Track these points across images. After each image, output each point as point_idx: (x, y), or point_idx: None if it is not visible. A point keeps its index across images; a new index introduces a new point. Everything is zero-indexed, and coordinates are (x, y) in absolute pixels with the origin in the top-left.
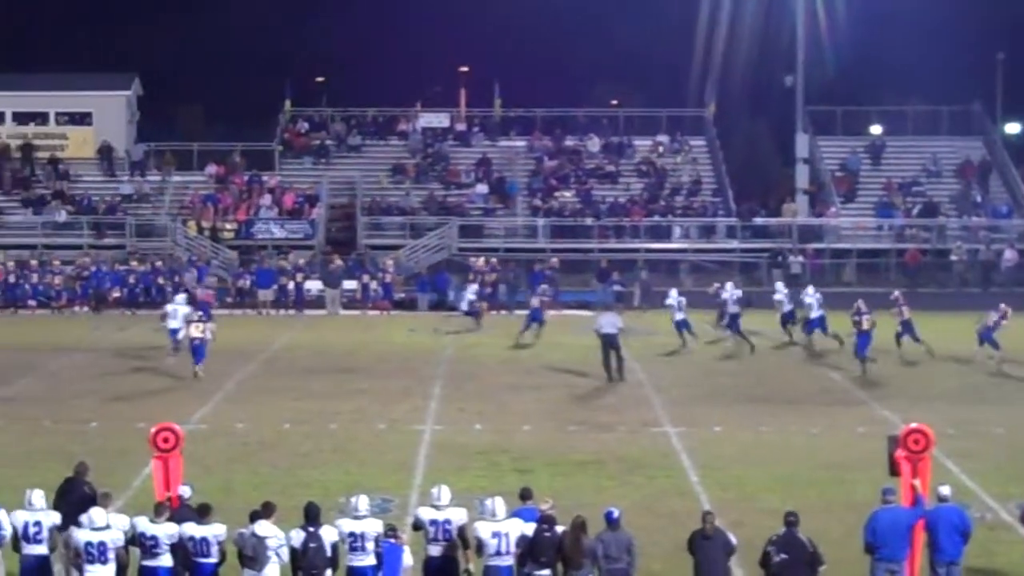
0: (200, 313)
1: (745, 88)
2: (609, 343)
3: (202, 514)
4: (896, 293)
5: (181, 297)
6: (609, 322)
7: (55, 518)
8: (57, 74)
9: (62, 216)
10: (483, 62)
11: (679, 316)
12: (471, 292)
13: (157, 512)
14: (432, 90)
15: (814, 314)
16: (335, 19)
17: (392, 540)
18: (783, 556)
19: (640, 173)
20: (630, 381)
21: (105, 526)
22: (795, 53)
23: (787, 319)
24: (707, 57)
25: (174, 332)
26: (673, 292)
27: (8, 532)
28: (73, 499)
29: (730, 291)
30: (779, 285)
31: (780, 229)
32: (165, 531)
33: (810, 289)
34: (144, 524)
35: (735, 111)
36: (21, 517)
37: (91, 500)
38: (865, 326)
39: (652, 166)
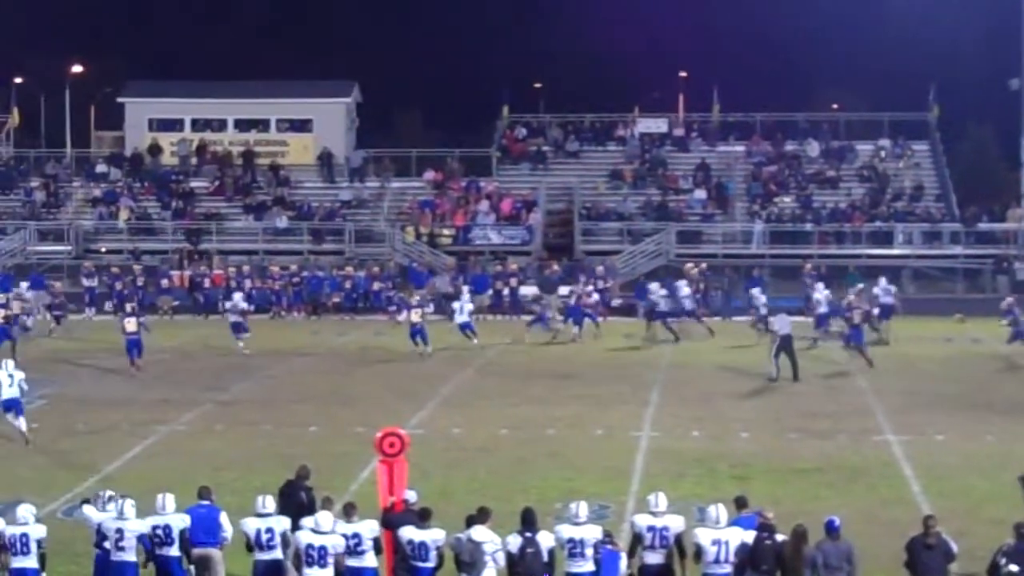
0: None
1: (969, 91)
2: (784, 345)
3: (423, 518)
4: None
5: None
6: (784, 323)
7: (286, 523)
8: (278, 81)
9: (283, 222)
10: (702, 67)
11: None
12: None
13: (347, 513)
14: (650, 95)
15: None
16: (553, 25)
17: (609, 546)
18: (1014, 568)
19: (861, 178)
20: (850, 388)
21: (330, 531)
22: (1021, 55)
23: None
24: (930, 60)
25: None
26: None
27: (230, 533)
28: (292, 502)
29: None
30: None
31: (1005, 235)
32: (367, 528)
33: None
34: (342, 525)
35: (959, 115)
36: (253, 524)
37: (310, 503)
38: None
39: (874, 171)
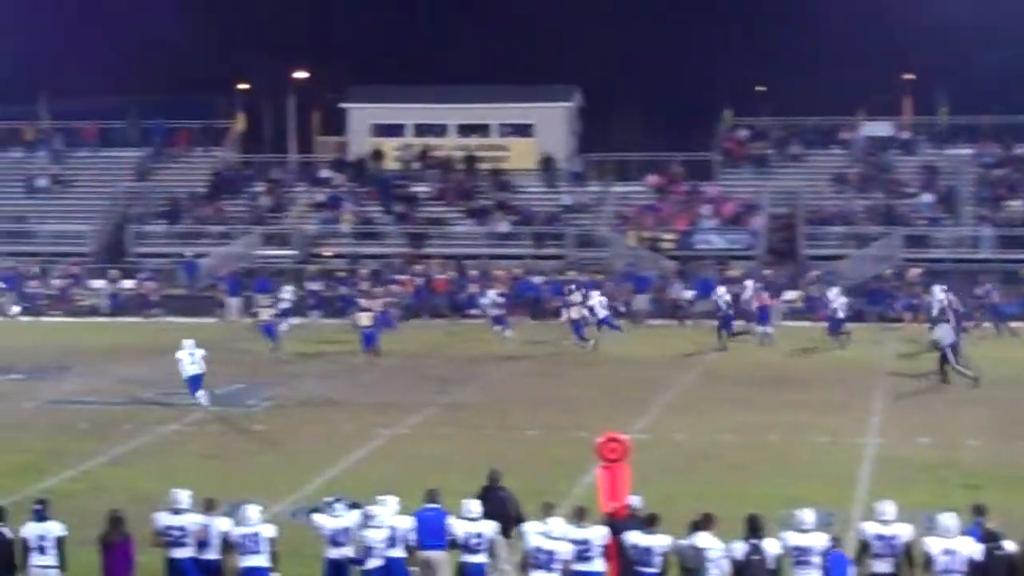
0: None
1: None
2: (948, 353)
3: (649, 524)
4: None
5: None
6: (945, 333)
7: (493, 528)
8: (500, 86)
9: (504, 226)
10: (928, 69)
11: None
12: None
13: (578, 518)
14: (875, 98)
15: None
16: (775, 28)
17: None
18: None
19: None
20: None
21: (561, 536)
22: None
23: None
24: None
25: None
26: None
27: (457, 537)
28: (492, 506)
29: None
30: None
31: None
32: (596, 534)
33: None
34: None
35: None
36: (461, 527)
37: (508, 505)
38: None
39: None
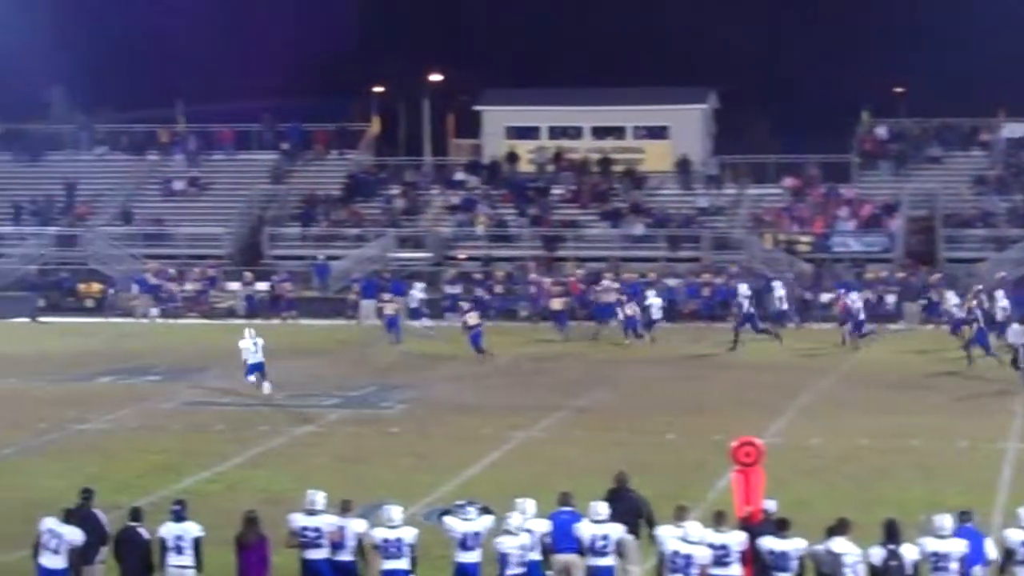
0: None
1: None
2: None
3: (781, 528)
4: None
5: None
6: (1017, 332)
7: (620, 530)
8: (635, 88)
9: (639, 229)
10: None
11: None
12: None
13: (717, 522)
14: (1016, 99)
15: None
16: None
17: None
18: None
19: None
20: None
21: (699, 540)
22: None
23: None
24: None
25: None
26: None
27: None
28: (621, 508)
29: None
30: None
31: None
32: (735, 539)
33: None
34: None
35: None
36: (587, 530)
37: (637, 508)
38: None
39: None
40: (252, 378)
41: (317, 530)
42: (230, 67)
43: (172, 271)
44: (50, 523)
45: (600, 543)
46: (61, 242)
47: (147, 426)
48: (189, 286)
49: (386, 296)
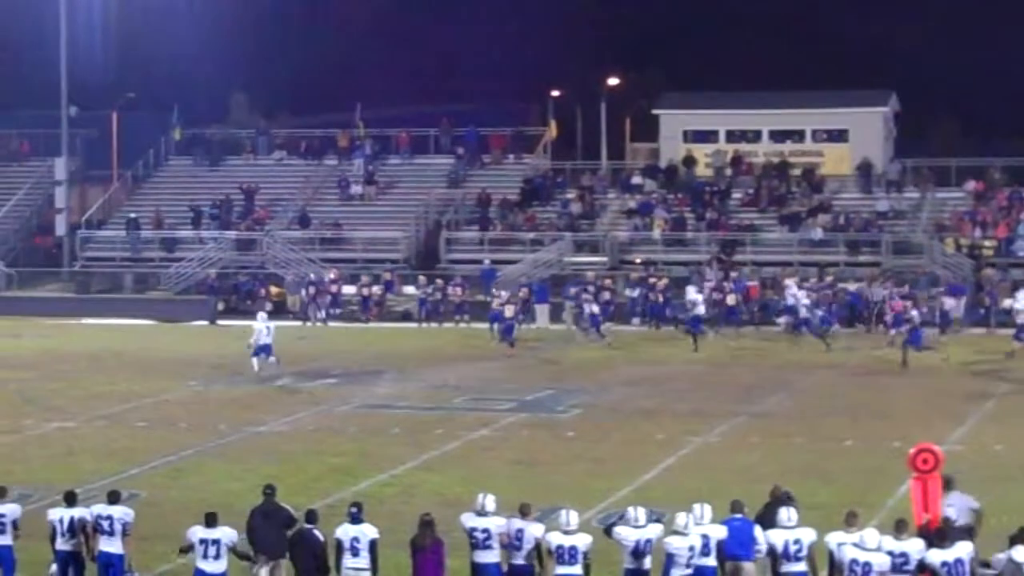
0: None
1: None
2: None
3: (942, 538)
4: None
5: None
6: None
7: (812, 535)
8: (813, 92)
9: (818, 233)
10: None
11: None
12: None
13: (898, 530)
14: None
15: None
16: None
17: None
18: None
19: None
20: None
21: (876, 548)
22: None
23: None
24: None
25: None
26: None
27: (764, 547)
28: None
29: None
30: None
31: None
32: (914, 547)
33: None
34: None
35: None
36: (780, 536)
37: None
38: None
39: None
40: (255, 360)
41: (486, 531)
42: (408, 73)
43: (339, 275)
44: (200, 532)
45: (793, 547)
46: (240, 246)
47: (324, 429)
48: (365, 290)
49: (504, 293)
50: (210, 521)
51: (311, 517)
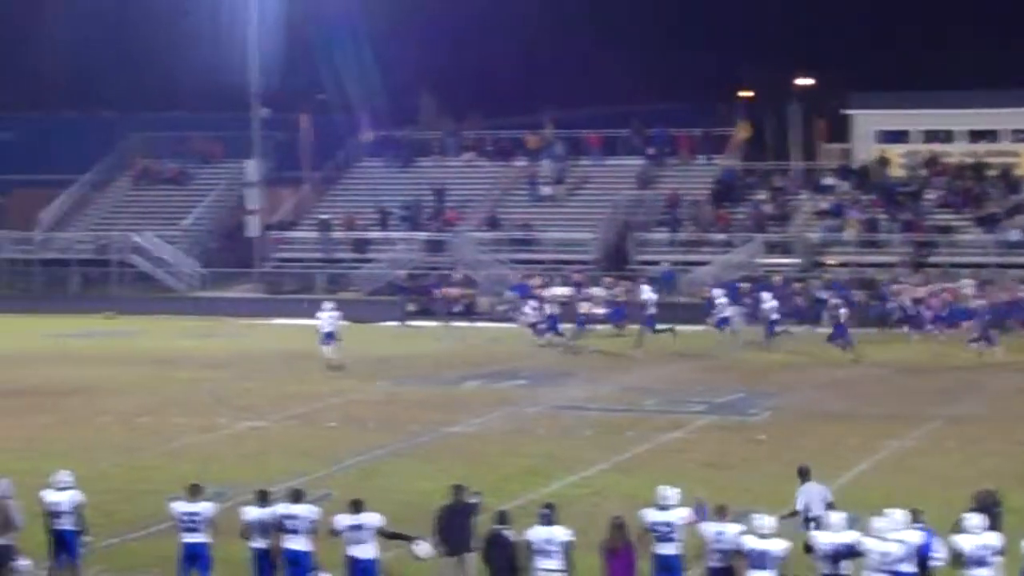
0: None
1: None
2: None
3: None
4: None
5: None
6: None
7: (918, 538)
8: (1010, 91)
9: (1014, 235)
10: None
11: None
12: None
13: None
14: None
15: None
16: None
17: None
18: None
19: None
20: None
21: None
22: None
23: None
24: None
25: None
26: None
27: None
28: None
29: None
30: None
31: None
32: None
33: None
34: None
35: None
36: (969, 542)
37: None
38: None
39: None
40: (324, 348)
41: (669, 525)
42: (598, 72)
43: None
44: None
45: (982, 553)
46: (430, 247)
47: (514, 430)
48: (556, 291)
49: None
50: (356, 507)
51: (504, 518)
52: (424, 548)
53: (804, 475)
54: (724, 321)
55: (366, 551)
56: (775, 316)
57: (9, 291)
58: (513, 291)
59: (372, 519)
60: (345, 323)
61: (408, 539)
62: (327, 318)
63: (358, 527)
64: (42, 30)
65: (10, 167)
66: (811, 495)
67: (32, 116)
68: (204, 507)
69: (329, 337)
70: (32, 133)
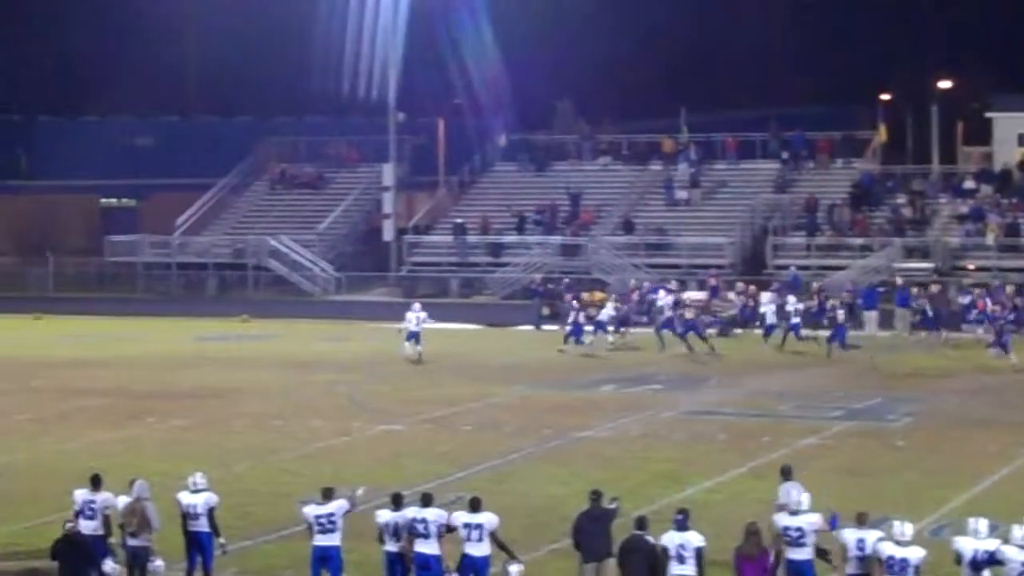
0: None
1: None
2: None
3: None
4: None
5: None
6: None
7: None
8: None
9: None
10: None
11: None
12: None
13: None
14: None
15: None
16: None
17: None
18: None
19: None
20: None
21: None
22: None
23: None
24: None
25: None
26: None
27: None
28: None
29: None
30: None
31: None
32: None
33: None
34: None
35: None
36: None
37: None
38: None
39: None
40: (407, 344)
41: (800, 530)
42: (735, 76)
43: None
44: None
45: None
46: (565, 251)
47: (649, 435)
48: (693, 295)
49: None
50: (475, 506)
51: (641, 524)
52: (516, 569)
53: (785, 474)
54: (771, 328)
55: (481, 549)
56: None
57: (147, 294)
58: (653, 294)
59: (489, 520)
60: (432, 324)
61: (511, 554)
62: (414, 318)
63: (475, 526)
64: (181, 36)
65: (149, 171)
66: (789, 494)
67: (171, 121)
68: (335, 506)
69: (413, 336)
70: (171, 138)
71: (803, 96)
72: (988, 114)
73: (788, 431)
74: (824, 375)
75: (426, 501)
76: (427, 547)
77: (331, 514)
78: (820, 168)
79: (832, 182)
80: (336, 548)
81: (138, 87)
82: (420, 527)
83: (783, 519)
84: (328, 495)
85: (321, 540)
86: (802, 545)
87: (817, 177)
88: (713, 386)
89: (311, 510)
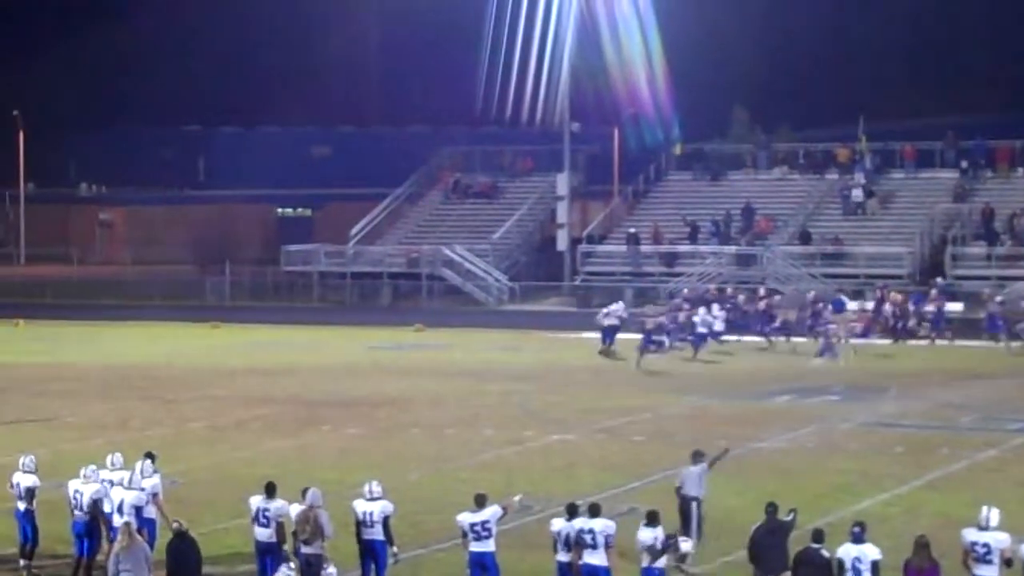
0: None
1: None
2: None
3: None
4: None
5: None
6: None
7: None
8: None
9: None
10: None
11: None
12: None
13: None
14: None
15: None
16: None
17: None
18: None
19: None
20: None
21: None
22: None
23: None
24: None
25: None
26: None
27: None
28: None
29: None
30: None
31: None
32: None
33: None
34: None
35: None
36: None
37: None
38: None
39: None
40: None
41: (986, 546)
42: (912, 83)
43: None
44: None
45: None
46: (739, 261)
47: (825, 446)
48: (871, 306)
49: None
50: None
51: (818, 537)
52: (688, 544)
53: (695, 457)
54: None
55: (598, 557)
56: None
57: (322, 303)
58: (835, 304)
59: (606, 526)
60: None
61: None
62: (608, 311)
63: (588, 531)
64: (358, 48)
65: (325, 181)
66: (690, 477)
67: (348, 131)
68: (490, 513)
69: (607, 333)
70: (347, 148)
71: (983, 104)
72: None
73: (967, 443)
74: (1005, 387)
75: (594, 512)
76: (595, 558)
77: (485, 521)
78: (1000, 177)
79: (1013, 191)
80: (491, 554)
81: (315, 98)
82: (588, 537)
83: (971, 534)
84: (481, 502)
85: (476, 547)
86: (989, 563)
87: (997, 186)
88: (891, 397)
89: (465, 518)
